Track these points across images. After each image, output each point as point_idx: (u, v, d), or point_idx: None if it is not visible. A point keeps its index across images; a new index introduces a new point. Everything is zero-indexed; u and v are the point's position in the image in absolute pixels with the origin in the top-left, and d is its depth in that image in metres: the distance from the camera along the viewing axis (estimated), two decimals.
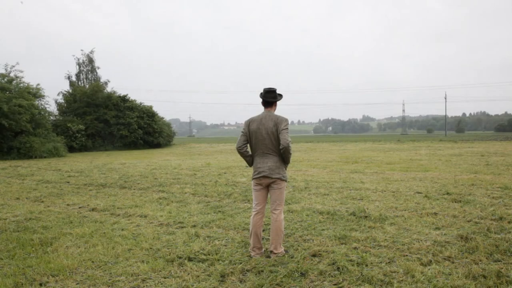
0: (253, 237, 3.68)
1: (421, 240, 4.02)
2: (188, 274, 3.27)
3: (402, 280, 3.04)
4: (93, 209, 6.08)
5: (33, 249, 4.04)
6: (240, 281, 3.12)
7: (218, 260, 3.58)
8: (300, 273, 3.22)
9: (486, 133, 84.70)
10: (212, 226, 4.85)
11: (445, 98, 71.35)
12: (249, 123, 3.73)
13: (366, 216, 5.05)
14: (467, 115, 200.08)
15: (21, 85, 22.52)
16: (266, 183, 3.68)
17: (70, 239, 4.37)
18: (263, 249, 3.75)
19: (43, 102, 24.70)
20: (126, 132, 31.62)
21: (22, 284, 3.15)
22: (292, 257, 3.59)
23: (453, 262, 3.41)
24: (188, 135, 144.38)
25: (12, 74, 22.61)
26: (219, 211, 5.69)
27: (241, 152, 3.78)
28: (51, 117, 28.25)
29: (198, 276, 3.22)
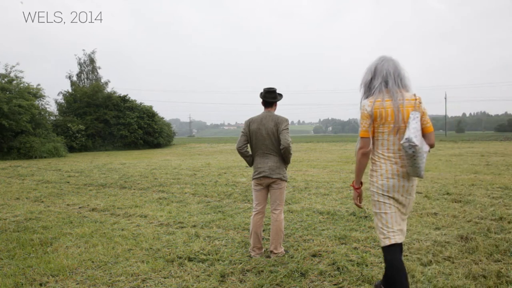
0: (253, 237, 3.68)
1: (421, 240, 4.02)
2: (188, 274, 3.27)
3: None
4: (93, 209, 6.08)
5: (33, 249, 4.04)
6: (240, 281, 3.12)
7: (218, 260, 3.58)
8: (300, 273, 3.22)
9: (486, 133, 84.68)
10: (212, 226, 4.85)
11: (445, 98, 71.34)
12: (249, 123, 3.74)
13: (366, 216, 5.05)
14: (467, 115, 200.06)
15: (21, 85, 22.51)
16: (267, 183, 3.68)
17: (70, 239, 4.38)
18: (263, 249, 3.75)
19: (43, 102, 24.73)
20: (126, 132, 31.61)
21: (22, 284, 3.15)
22: (292, 257, 3.59)
23: (453, 262, 3.41)
24: (188, 135, 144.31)
25: (12, 75, 22.59)
26: (219, 211, 5.70)
27: (241, 152, 3.78)
28: (51, 117, 28.24)
29: (198, 276, 3.22)
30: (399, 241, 2.39)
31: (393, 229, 2.41)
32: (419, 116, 2.34)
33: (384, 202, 2.44)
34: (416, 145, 2.24)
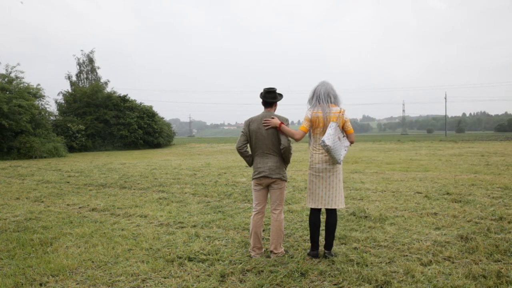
0: (253, 237, 3.68)
1: (421, 240, 4.02)
2: (188, 274, 3.27)
3: (402, 280, 3.04)
4: (93, 209, 6.08)
5: (33, 249, 4.04)
6: (240, 281, 3.12)
7: (218, 260, 3.58)
8: (300, 273, 3.22)
9: (486, 133, 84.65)
10: (212, 226, 4.85)
11: (445, 98, 71.38)
12: (249, 123, 3.73)
13: (366, 216, 5.05)
14: (467, 115, 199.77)
15: (21, 85, 22.49)
16: (266, 183, 3.68)
17: (70, 239, 4.37)
18: (263, 249, 3.75)
19: (43, 102, 24.72)
20: (126, 132, 31.61)
21: (22, 284, 3.15)
22: (292, 257, 3.59)
23: (453, 262, 3.41)
24: (188, 135, 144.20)
25: (12, 75, 22.58)
26: (219, 211, 5.70)
27: (241, 152, 3.78)
28: (51, 117, 28.22)
29: (198, 276, 3.22)
30: (319, 207, 3.59)
31: (317, 197, 3.59)
32: (335, 125, 3.43)
33: (313, 180, 3.61)
34: (327, 145, 3.32)
